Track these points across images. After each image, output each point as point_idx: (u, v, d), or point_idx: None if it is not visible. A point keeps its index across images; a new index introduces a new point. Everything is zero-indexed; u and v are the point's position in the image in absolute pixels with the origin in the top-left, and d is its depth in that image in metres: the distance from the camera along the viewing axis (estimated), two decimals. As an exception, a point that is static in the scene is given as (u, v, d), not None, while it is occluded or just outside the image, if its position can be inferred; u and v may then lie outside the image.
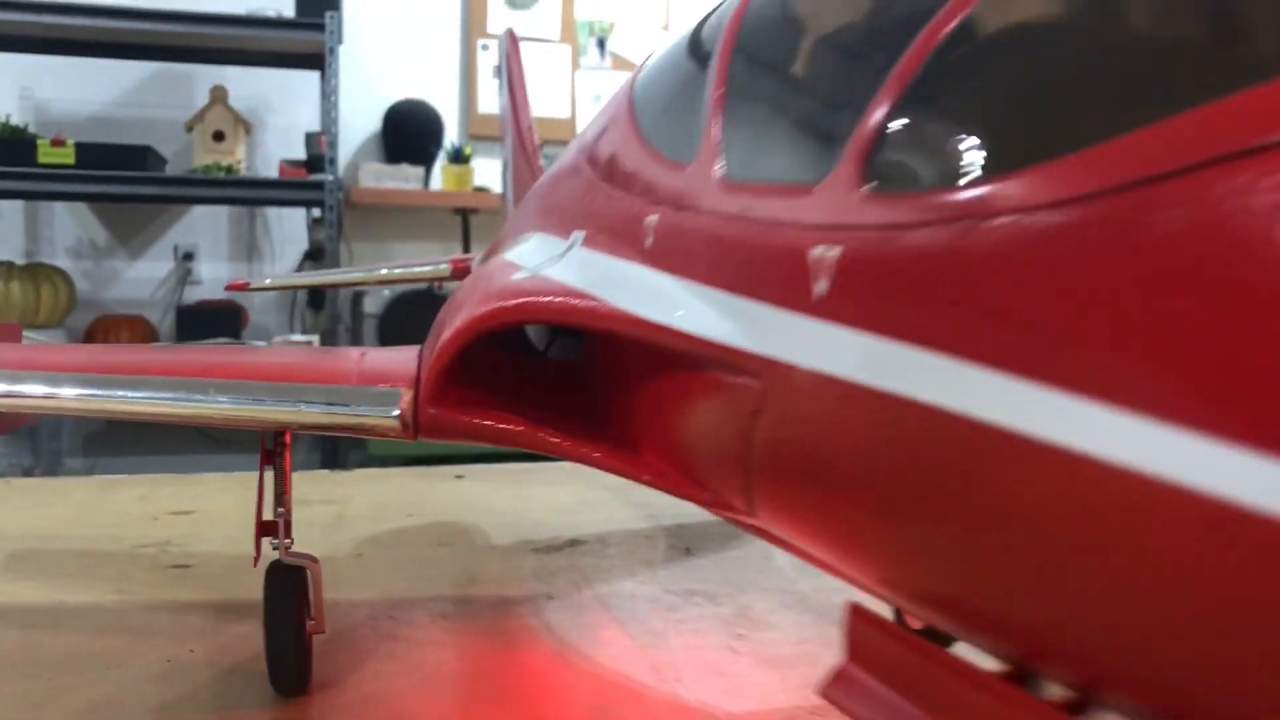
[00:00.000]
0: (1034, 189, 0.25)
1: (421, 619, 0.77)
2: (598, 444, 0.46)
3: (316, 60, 3.09)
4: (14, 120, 3.02)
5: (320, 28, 2.96)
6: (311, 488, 1.17)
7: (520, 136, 0.96)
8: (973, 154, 0.28)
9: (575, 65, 3.69)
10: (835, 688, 0.33)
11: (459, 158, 3.35)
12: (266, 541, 0.63)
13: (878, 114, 0.31)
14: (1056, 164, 0.25)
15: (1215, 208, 0.21)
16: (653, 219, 0.43)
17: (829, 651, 0.57)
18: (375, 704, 0.61)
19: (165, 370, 0.53)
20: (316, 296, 3.36)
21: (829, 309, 0.31)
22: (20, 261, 3.13)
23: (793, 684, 0.60)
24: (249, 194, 3.14)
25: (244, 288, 1.74)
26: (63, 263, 3.29)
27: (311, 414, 0.50)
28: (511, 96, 1.04)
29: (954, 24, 0.30)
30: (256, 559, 0.62)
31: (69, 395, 0.52)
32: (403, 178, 3.31)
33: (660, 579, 0.89)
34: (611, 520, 1.04)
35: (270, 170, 3.34)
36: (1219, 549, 0.21)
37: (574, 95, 3.69)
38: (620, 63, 3.73)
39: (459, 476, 1.24)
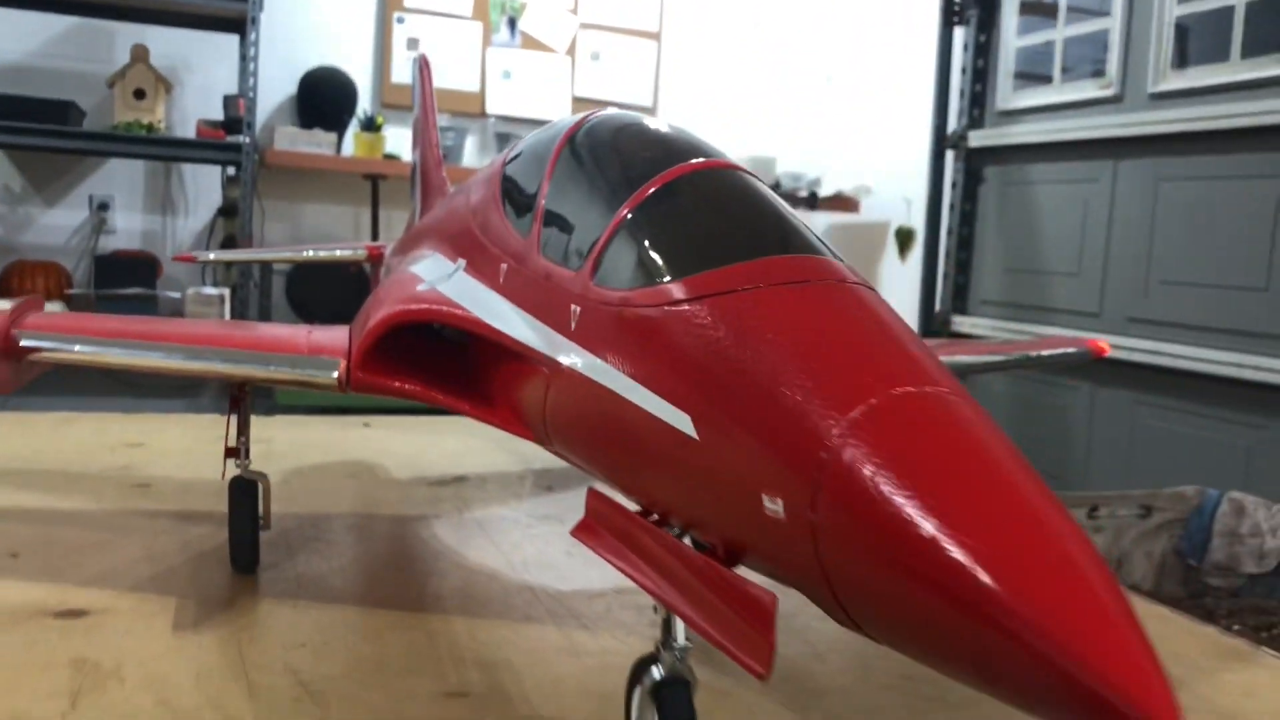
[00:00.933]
0: (655, 296, 0.50)
1: (337, 528, 1.01)
2: (471, 402, 0.69)
3: (238, 25, 3.23)
4: (-66, 69, 3.11)
5: (243, -3, 3.11)
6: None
7: (428, 150, 1.19)
8: (638, 270, 0.53)
9: (487, 42, 3.88)
10: (580, 532, 0.57)
11: (371, 125, 3.53)
12: (230, 463, 0.86)
13: (603, 238, 0.55)
14: (664, 285, 0.51)
15: (724, 315, 0.48)
16: (503, 266, 0.67)
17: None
18: (306, 579, 0.85)
19: (179, 339, 0.75)
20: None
21: (576, 337, 0.56)
22: (-67, 207, 3.23)
23: (609, 578, 0.84)
24: (168, 152, 3.28)
25: (191, 259, 1.94)
26: (-19, 211, 3.39)
27: (280, 372, 0.73)
28: (423, 112, 1.26)
29: (644, 198, 0.55)
30: (224, 473, 0.86)
31: (114, 354, 0.75)
32: (316, 142, 3.47)
33: (525, 508, 1.14)
34: (492, 463, 1.28)
35: (188, 128, 3.47)
36: (681, 452, 0.47)
37: (484, 71, 3.89)
38: (530, 41, 3.93)
39: (366, 425, 1.47)
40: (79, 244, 3.54)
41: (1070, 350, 1.12)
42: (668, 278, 0.52)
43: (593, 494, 0.58)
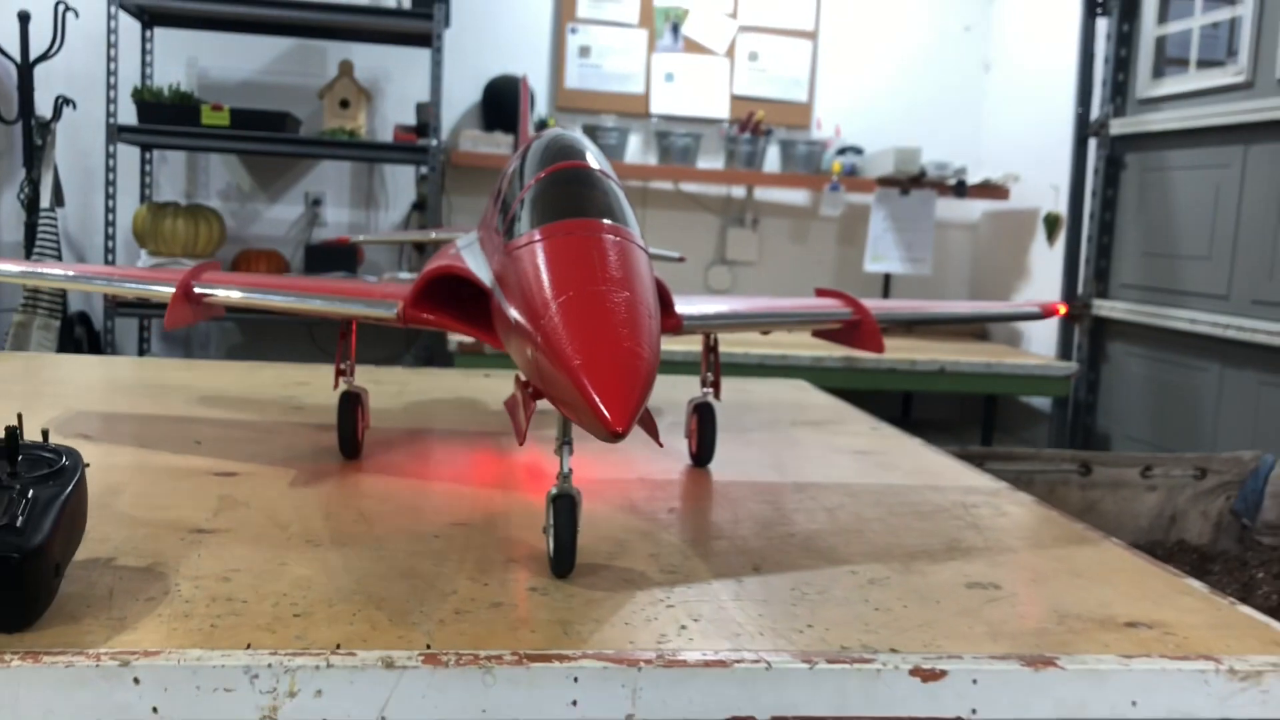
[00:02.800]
0: (519, 241, 0.79)
1: (436, 435, 1.34)
2: (482, 330, 0.99)
3: (428, 40, 3.67)
4: (182, 87, 3.68)
5: (429, 16, 3.53)
6: (385, 374, 1.77)
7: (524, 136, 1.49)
8: (517, 228, 0.81)
9: (651, 47, 4.21)
10: (506, 403, 0.86)
11: (541, 127, 3.90)
12: (341, 380, 1.20)
13: (510, 213, 0.84)
14: (524, 234, 0.79)
15: (540, 250, 0.77)
16: (482, 236, 0.97)
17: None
18: (391, 463, 1.18)
19: (298, 288, 1.09)
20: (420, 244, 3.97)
21: (497, 276, 0.85)
22: (182, 202, 3.81)
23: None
24: (367, 155, 3.76)
25: (345, 241, 2.33)
26: (215, 203, 3.96)
27: (357, 309, 1.06)
28: (523, 122, 1.57)
29: (529, 187, 0.83)
30: (335, 385, 1.19)
31: (250, 297, 1.09)
32: (495, 144, 3.88)
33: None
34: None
35: (386, 133, 3.95)
36: (518, 333, 0.76)
37: (649, 74, 4.21)
38: (691, 45, 4.23)
39: (486, 375, 1.81)
40: (296, 235, 4.07)
41: (1025, 309, 1.32)
42: (526, 230, 0.81)
43: (518, 379, 0.88)
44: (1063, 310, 1.31)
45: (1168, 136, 3.31)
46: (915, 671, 0.72)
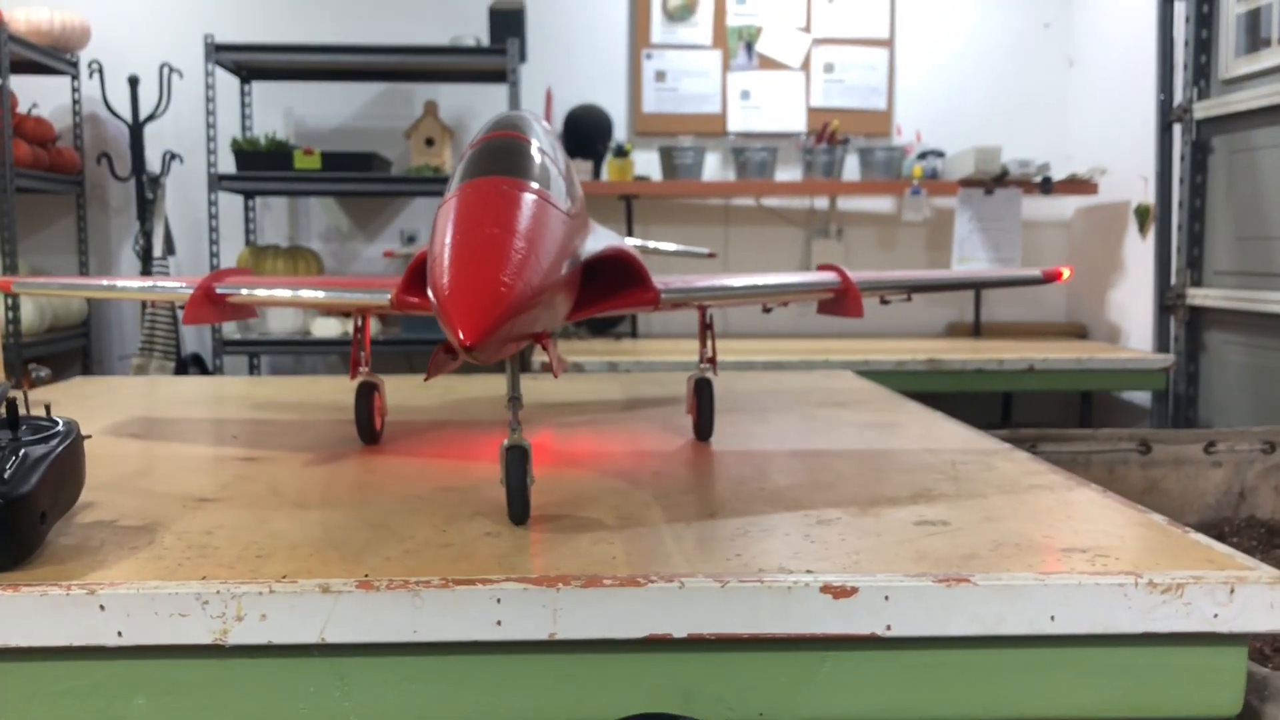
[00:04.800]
0: (453, 192, 0.85)
1: (460, 425, 1.41)
2: None
3: (504, 75, 3.80)
4: (279, 136, 3.89)
5: (504, 52, 3.67)
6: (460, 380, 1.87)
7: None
8: (455, 183, 0.87)
9: (726, 67, 4.27)
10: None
11: (620, 153, 3.99)
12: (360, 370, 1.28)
13: (456, 173, 0.91)
14: (456, 187, 0.85)
15: (460, 199, 0.82)
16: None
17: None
18: (405, 446, 1.25)
19: (306, 284, 1.18)
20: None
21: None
22: (284, 244, 4.01)
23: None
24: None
25: (391, 254, 2.43)
26: (316, 245, 4.16)
27: (356, 299, 1.14)
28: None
29: (468, 152, 0.90)
30: (353, 376, 1.28)
31: (261, 294, 1.19)
32: (578, 171, 3.98)
33: (595, 414, 1.49)
34: (601, 397, 1.65)
35: (471, 167, 4.09)
36: None
37: (724, 94, 4.27)
38: (767, 62, 4.28)
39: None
40: (393, 271, 4.23)
41: (1025, 274, 1.32)
42: (458, 184, 0.88)
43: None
44: (1066, 274, 1.31)
45: (1253, 115, 3.21)
46: (826, 589, 0.74)
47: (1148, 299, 3.73)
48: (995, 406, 4.25)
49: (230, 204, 3.96)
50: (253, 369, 4.11)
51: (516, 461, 0.87)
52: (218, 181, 3.64)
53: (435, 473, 1.09)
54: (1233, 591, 0.75)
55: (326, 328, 3.73)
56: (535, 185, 0.86)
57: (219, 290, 1.19)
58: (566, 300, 0.89)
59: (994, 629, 0.75)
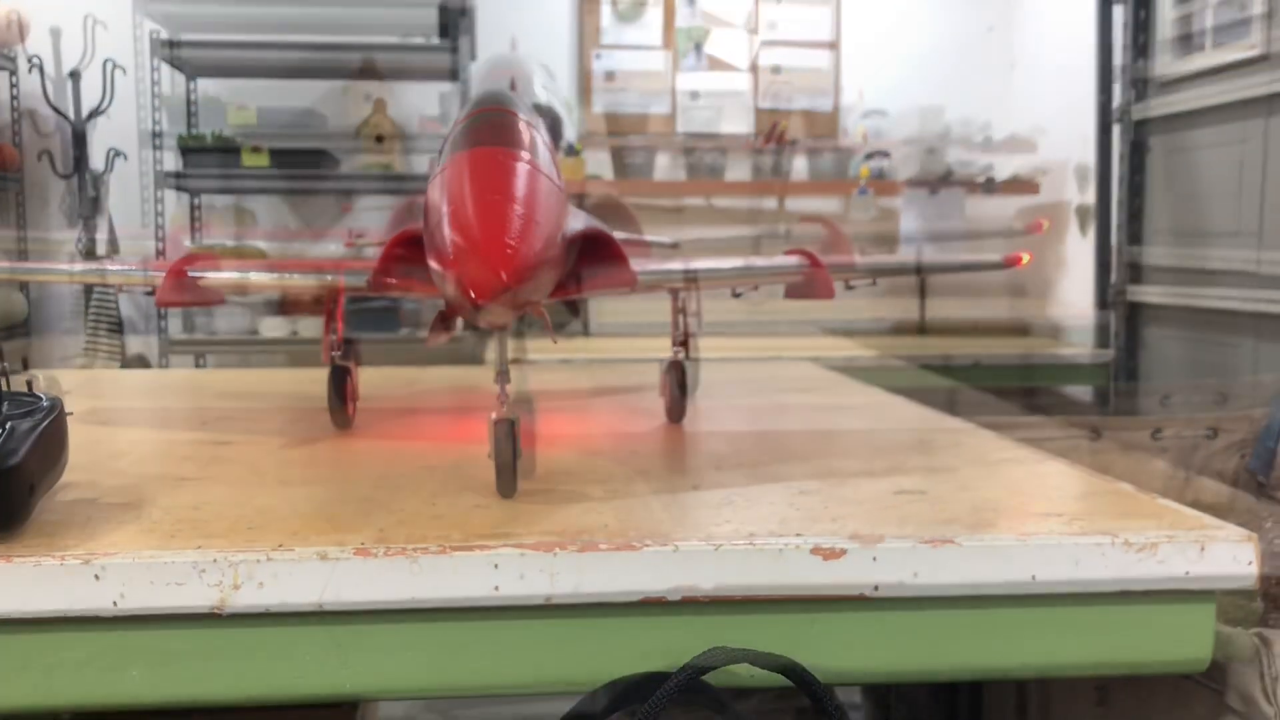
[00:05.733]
0: (447, 162, 0.86)
1: (436, 410, 1.41)
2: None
3: (455, 74, 3.79)
4: (226, 132, 3.85)
5: (454, 50, 3.66)
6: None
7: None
8: (446, 153, 0.89)
9: (676, 68, 4.30)
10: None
11: (571, 152, 4.00)
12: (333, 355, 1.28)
13: (446, 142, 0.91)
14: (450, 156, 0.86)
15: (459, 167, 0.84)
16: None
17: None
18: (376, 430, 1.26)
19: (279, 267, 1.18)
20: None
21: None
22: (229, 243, 3.97)
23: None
24: (401, 187, 3.89)
25: (351, 244, 2.41)
26: (262, 243, 4.12)
27: (332, 280, 1.15)
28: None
29: (459, 124, 0.92)
30: (325, 360, 1.28)
31: (234, 277, 1.19)
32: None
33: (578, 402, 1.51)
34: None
35: (422, 165, 4.08)
36: None
37: (674, 94, 4.30)
38: (715, 63, 4.31)
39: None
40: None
41: (985, 259, 1.36)
42: (452, 153, 0.88)
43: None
44: (1026, 259, 1.35)
45: (1189, 116, 3.31)
46: (816, 550, 0.76)
47: (1089, 296, 3.82)
48: (940, 400, 4.32)
49: (175, 203, 3.91)
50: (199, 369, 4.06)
51: (505, 434, 0.88)
52: (163, 179, 3.59)
53: (415, 453, 1.10)
54: (1203, 549, 0.78)
55: (275, 327, 3.69)
56: (529, 156, 0.88)
57: (191, 274, 1.19)
58: (558, 273, 0.91)
59: (977, 588, 0.78)
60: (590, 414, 1.33)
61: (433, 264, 0.79)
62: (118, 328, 3.73)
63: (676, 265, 1.17)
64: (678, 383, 1.27)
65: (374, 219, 4.22)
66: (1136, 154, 3.57)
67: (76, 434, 1.20)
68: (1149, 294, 3.51)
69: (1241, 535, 0.79)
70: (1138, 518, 0.83)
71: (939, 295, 4.34)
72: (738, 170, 4.28)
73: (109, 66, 3.74)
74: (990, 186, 4.02)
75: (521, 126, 0.93)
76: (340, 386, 1.24)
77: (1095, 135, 3.71)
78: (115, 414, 1.39)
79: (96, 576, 0.72)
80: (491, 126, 0.90)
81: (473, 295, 0.73)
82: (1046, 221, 1.29)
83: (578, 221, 1.06)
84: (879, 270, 1.29)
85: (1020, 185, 4.08)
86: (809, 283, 1.24)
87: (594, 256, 1.07)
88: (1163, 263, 3.51)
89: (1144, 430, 2.01)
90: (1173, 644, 0.80)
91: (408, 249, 1.08)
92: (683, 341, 1.28)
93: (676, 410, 1.28)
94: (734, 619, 0.78)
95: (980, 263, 1.38)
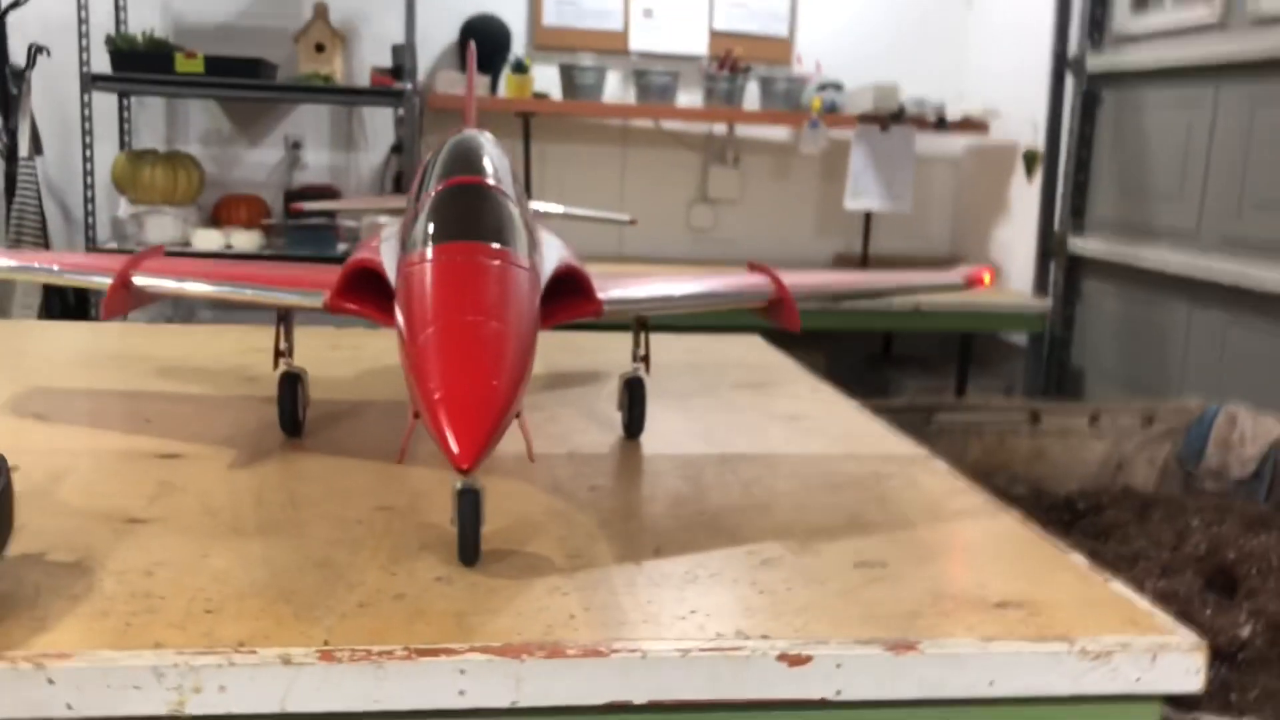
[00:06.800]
0: (409, 258, 0.83)
1: (380, 408, 1.39)
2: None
3: (401, -22, 3.64)
4: (157, 33, 3.67)
5: (401, -44, 3.51)
6: (344, 337, 1.82)
7: (469, 119, 1.50)
8: (409, 243, 0.85)
9: (629, -17, 4.17)
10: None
11: (519, 68, 3.89)
12: (281, 361, 1.24)
13: (405, 223, 0.87)
14: (414, 252, 0.83)
15: (426, 271, 0.80)
16: (399, 238, 1.01)
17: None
18: (330, 440, 1.23)
19: (229, 277, 1.13)
20: (399, 183, 3.98)
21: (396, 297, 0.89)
22: (161, 149, 3.82)
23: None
24: (343, 99, 3.76)
25: (301, 210, 2.34)
26: (195, 148, 3.97)
27: (287, 299, 1.10)
28: (469, 91, 1.58)
29: (426, 204, 0.87)
30: (275, 367, 1.24)
31: (184, 286, 1.13)
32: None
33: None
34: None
35: (363, 75, 3.94)
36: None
37: (627, 11, 4.18)
38: (670, -19, 4.19)
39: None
40: (277, 179, 4.09)
41: (948, 280, 1.35)
42: (418, 246, 0.85)
43: None
44: (987, 280, 1.35)
45: (1143, 75, 3.30)
46: (782, 657, 0.77)
47: (1030, 242, 3.85)
48: (878, 341, 4.37)
49: (104, 102, 3.74)
50: (128, 280, 3.94)
51: (469, 507, 0.86)
52: (91, 82, 3.42)
53: (369, 482, 1.08)
54: (1154, 658, 0.80)
55: (208, 240, 3.59)
56: (509, 250, 0.84)
57: (135, 280, 1.14)
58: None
59: (937, 693, 0.79)
60: (545, 423, 1.31)
61: (414, 394, 0.77)
62: (41, 233, 3.59)
63: (642, 293, 1.14)
64: (637, 400, 1.26)
65: (311, 127, 4.10)
66: (1088, 105, 3.57)
67: (9, 438, 1.17)
68: (1090, 247, 3.55)
69: (1191, 644, 0.81)
70: (1092, 613, 0.85)
71: (883, 230, 4.35)
72: (689, 94, 4.21)
73: (30, -45, 3.53)
74: (942, 125, 4.00)
75: (501, 202, 0.89)
76: (291, 394, 1.21)
77: (1049, 81, 3.70)
78: (47, 401, 1.34)
79: (50, 681, 0.70)
80: (467, 209, 0.87)
81: (459, 459, 0.72)
82: (988, 274, 1.29)
83: (552, 257, 1.02)
84: (844, 295, 1.28)
85: (971, 125, 4.07)
86: (774, 309, 1.22)
87: (562, 287, 1.04)
88: (1105, 217, 3.54)
89: (1081, 416, 2.05)
90: (1118, 742, 0.83)
91: (361, 277, 1.05)
92: (643, 358, 1.26)
93: (634, 426, 1.27)
94: (698, 715, 0.78)
95: (945, 284, 1.37)
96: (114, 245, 3.58)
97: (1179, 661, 0.81)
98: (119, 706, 0.71)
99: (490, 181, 0.91)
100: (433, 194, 0.89)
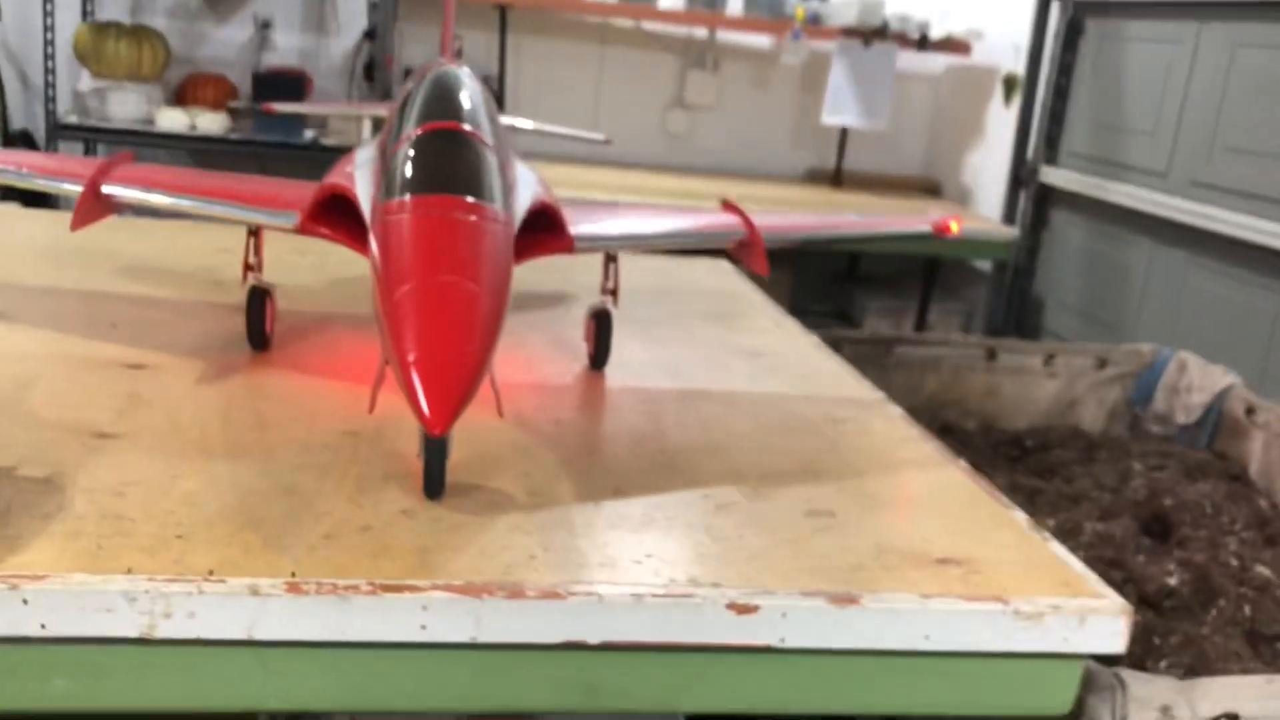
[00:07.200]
0: (388, 207, 0.83)
1: (350, 323, 1.39)
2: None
3: None
4: (123, -102, 3.53)
5: None
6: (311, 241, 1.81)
7: (446, 48, 1.48)
8: (388, 190, 0.86)
9: (617, -125, 4.05)
10: None
11: (501, -38, 3.79)
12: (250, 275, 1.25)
13: (391, 159, 0.88)
14: (393, 201, 0.83)
15: (405, 224, 0.81)
16: (375, 168, 1.00)
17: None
18: (296, 356, 1.24)
19: (202, 192, 1.12)
20: (370, 70, 3.90)
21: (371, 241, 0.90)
22: (126, 21, 3.71)
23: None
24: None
25: (272, 111, 2.28)
26: (160, 22, 3.86)
27: (259, 218, 1.09)
28: (446, 19, 1.53)
29: (400, 145, 0.87)
30: (244, 280, 1.24)
31: (155, 199, 1.13)
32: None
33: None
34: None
35: (339, -48, 3.82)
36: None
37: (612, -96, 4.06)
38: (659, -125, 4.07)
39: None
40: (245, 59, 3.99)
41: (917, 228, 1.37)
42: (395, 196, 0.85)
43: None
44: (954, 228, 1.37)
45: (1128, 5, 3.28)
46: (731, 605, 0.81)
47: (1002, 167, 3.86)
48: (844, 260, 4.39)
49: (65, -30, 3.62)
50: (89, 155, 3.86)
51: (437, 452, 0.88)
52: (52, -52, 3.30)
53: (336, 404, 1.10)
54: (1082, 621, 0.85)
55: (173, 120, 3.52)
56: (484, 204, 0.85)
57: (104, 190, 1.13)
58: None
59: (874, 644, 0.83)
60: (512, 349, 1.33)
61: (388, 351, 0.78)
62: None
63: (615, 230, 1.15)
64: (603, 332, 1.28)
65: (284, 5, 3.99)
66: (1071, 33, 3.55)
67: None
68: (1061, 178, 3.56)
69: (1118, 608, 0.86)
70: (1028, 573, 0.89)
71: (857, 146, 4.34)
72: (671, -3, 4.12)
73: None
74: (924, 44, 3.97)
75: (480, 152, 0.89)
76: (259, 309, 1.22)
77: (1034, 6, 3.67)
78: (9, 297, 1.34)
79: (25, 601, 0.73)
80: (447, 160, 0.87)
81: (432, 424, 0.74)
82: (955, 223, 1.30)
83: (526, 195, 1.03)
84: (815, 239, 1.29)
85: (953, 45, 4.04)
86: (743, 249, 1.24)
87: (535, 222, 1.05)
88: (1079, 149, 3.55)
89: (1036, 355, 2.09)
90: (1044, 695, 0.89)
91: (334, 200, 1.05)
92: (611, 291, 1.28)
93: (600, 358, 1.29)
94: (648, 656, 0.82)
95: (913, 232, 1.39)
96: (75, 119, 3.50)
97: (1105, 624, 0.85)
98: (91, 628, 0.74)
99: (467, 127, 0.91)
100: (411, 137, 0.89)
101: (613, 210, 1.21)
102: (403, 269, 0.79)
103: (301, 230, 1.06)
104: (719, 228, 1.22)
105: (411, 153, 0.88)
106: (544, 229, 1.07)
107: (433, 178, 0.85)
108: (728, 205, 1.27)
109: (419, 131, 0.89)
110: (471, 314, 0.77)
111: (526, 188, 1.06)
